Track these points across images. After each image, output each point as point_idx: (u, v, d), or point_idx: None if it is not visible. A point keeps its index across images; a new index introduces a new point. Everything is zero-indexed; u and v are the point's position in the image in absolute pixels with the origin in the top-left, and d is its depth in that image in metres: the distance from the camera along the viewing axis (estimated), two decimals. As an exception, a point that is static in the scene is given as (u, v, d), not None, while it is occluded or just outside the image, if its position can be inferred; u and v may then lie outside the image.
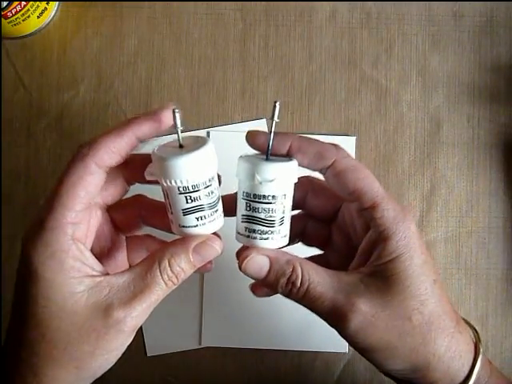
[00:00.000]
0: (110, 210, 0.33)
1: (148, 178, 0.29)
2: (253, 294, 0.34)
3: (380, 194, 0.30)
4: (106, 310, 0.28)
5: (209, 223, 0.30)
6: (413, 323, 0.29)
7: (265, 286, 0.32)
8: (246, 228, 0.30)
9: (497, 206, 0.46)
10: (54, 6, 0.46)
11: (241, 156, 0.31)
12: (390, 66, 0.47)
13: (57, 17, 0.46)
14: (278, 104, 0.29)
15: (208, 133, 0.45)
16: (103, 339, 0.28)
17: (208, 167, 0.28)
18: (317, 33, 0.46)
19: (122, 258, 0.35)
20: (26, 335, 0.28)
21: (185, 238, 0.30)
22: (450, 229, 0.46)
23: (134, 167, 0.31)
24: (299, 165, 0.30)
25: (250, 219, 0.30)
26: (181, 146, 0.29)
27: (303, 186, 0.33)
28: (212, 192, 0.29)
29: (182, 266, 0.30)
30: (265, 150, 0.30)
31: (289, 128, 0.46)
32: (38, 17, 0.44)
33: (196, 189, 0.28)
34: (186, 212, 0.29)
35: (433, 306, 0.29)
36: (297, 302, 0.31)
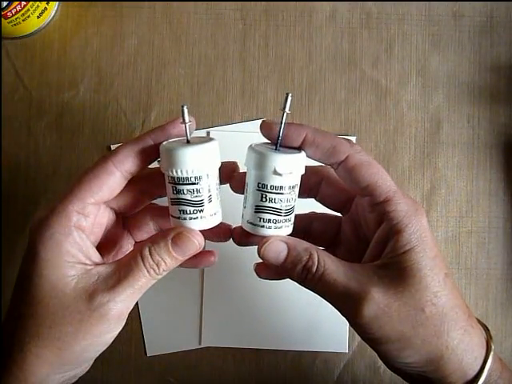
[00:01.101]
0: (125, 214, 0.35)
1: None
2: (257, 276, 0.34)
3: (392, 189, 0.30)
4: (91, 295, 0.29)
5: (190, 220, 0.31)
6: (426, 314, 0.29)
7: (281, 271, 0.32)
8: (259, 217, 0.31)
9: (497, 206, 0.46)
10: (53, 5, 0.46)
11: (251, 146, 0.31)
12: (390, 66, 0.47)
13: (57, 17, 0.46)
14: (290, 96, 0.30)
15: (208, 133, 0.45)
16: (87, 322, 0.29)
17: (197, 166, 0.29)
18: (317, 33, 0.46)
19: None
20: (19, 311, 0.30)
21: (167, 229, 0.31)
22: (450, 229, 0.46)
23: (154, 179, 0.33)
24: (311, 157, 0.31)
25: (263, 209, 0.31)
26: (188, 142, 0.30)
27: (318, 175, 0.34)
28: (198, 191, 0.30)
29: (162, 255, 0.30)
30: (276, 138, 0.31)
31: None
32: (38, 17, 0.44)
33: (180, 182, 0.30)
34: (172, 201, 0.31)
35: (445, 298, 0.30)
36: (311, 288, 0.31)
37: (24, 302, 0.29)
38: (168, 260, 0.30)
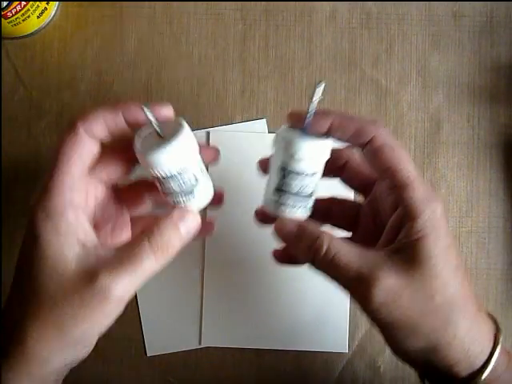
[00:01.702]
0: (118, 187, 0.35)
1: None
2: (274, 260, 0.35)
3: (412, 175, 0.30)
4: (92, 277, 0.28)
5: (185, 203, 0.32)
6: (435, 303, 0.29)
7: (294, 251, 0.33)
8: (278, 199, 0.32)
9: (497, 206, 0.46)
10: (53, 5, 0.46)
11: (279, 131, 0.32)
12: (390, 66, 0.47)
13: (57, 17, 0.46)
14: (321, 84, 0.30)
15: (208, 133, 0.45)
16: (87, 305, 0.29)
17: (177, 162, 0.30)
18: (317, 33, 0.46)
19: (126, 237, 0.36)
20: (19, 294, 0.30)
21: (167, 212, 0.32)
22: (450, 229, 0.45)
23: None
24: (337, 140, 0.32)
25: (283, 192, 0.32)
26: (161, 136, 0.31)
27: (344, 156, 0.35)
28: (184, 182, 0.31)
29: (167, 236, 0.30)
30: (303, 126, 0.31)
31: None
32: (38, 17, 0.44)
33: (164, 179, 0.30)
34: (163, 193, 0.32)
35: (455, 288, 0.30)
36: (322, 270, 0.31)
37: (24, 285, 0.29)
38: (173, 241, 0.31)
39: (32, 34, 0.46)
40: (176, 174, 0.30)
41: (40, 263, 0.29)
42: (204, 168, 0.32)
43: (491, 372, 0.30)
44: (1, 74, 0.46)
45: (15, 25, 0.43)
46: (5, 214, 0.45)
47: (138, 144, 0.30)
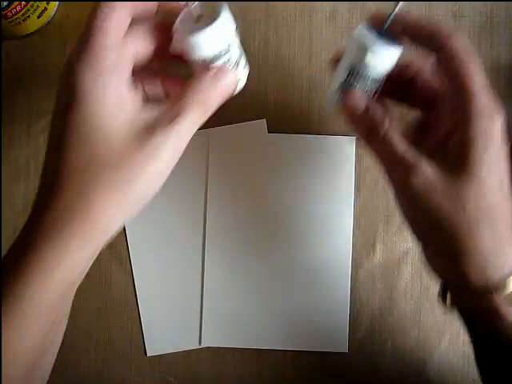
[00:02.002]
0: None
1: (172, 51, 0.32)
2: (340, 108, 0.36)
3: (479, 85, 0.30)
4: (145, 135, 0.29)
5: None
6: (471, 206, 0.30)
7: (354, 124, 0.34)
8: (341, 98, 0.34)
9: (497, 206, 0.46)
10: (54, 5, 0.46)
11: (355, 31, 0.33)
12: (390, 66, 0.46)
13: (57, 17, 0.46)
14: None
15: (208, 133, 0.45)
16: (142, 162, 0.29)
17: (220, 43, 0.31)
18: (317, 33, 0.46)
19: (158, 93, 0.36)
20: (69, 170, 0.29)
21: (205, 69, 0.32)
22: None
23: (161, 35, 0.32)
24: (413, 43, 0.32)
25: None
26: (199, 18, 0.31)
27: (414, 67, 0.35)
28: (226, 62, 0.32)
29: (209, 89, 0.31)
30: (380, 29, 0.32)
31: (288, 128, 0.46)
32: (38, 17, 0.44)
33: (207, 61, 0.31)
34: None
35: (494, 199, 0.30)
36: (372, 148, 0.34)
37: (78, 154, 0.29)
38: (214, 96, 0.32)
39: (32, 34, 0.46)
40: (219, 52, 0.31)
41: (91, 126, 0.29)
42: (241, 47, 0.33)
43: (509, 293, 0.30)
44: (1, 74, 0.46)
45: (15, 25, 0.43)
46: (5, 214, 0.45)
47: (179, 26, 0.31)
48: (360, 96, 0.34)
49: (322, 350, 0.45)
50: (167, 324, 0.45)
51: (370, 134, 0.33)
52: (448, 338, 0.45)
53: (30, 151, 0.46)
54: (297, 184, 0.45)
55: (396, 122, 0.33)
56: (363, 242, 0.45)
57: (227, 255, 0.45)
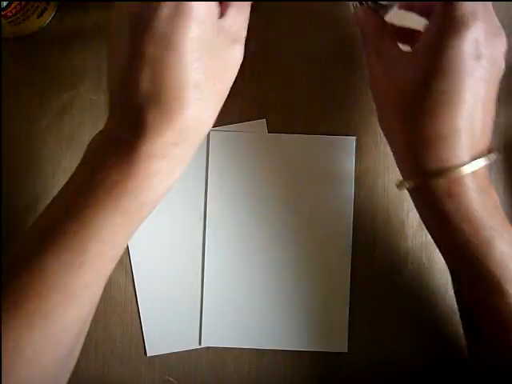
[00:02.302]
0: None
1: None
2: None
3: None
4: (232, 42, 0.33)
5: None
6: (427, 88, 0.32)
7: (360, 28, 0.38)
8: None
9: (497, 206, 0.46)
10: (54, 5, 0.46)
11: None
12: (390, 66, 0.46)
13: (57, 17, 0.46)
14: None
15: (208, 133, 0.45)
16: (232, 57, 0.34)
17: None
18: (317, 33, 0.46)
19: None
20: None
21: None
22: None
23: None
24: None
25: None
26: None
27: None
28: None
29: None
30: None
31: (288, 128, 0.46)
32: (38, 17, 0.44)
33: None
34: None
35: (472, 90, 0.33)
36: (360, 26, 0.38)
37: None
38: None
39: (32, 33, 0.46)
40: None
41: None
42: None
43: (460, 175, 0.32)
44: (1, 73, 0.46)
45: (15, 25, 0.43)
46: (5, 214, 0.45)
47: None
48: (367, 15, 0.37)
49: (322, 350, 0.45)
50: (167, 324, 0.45)
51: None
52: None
53: (30, 151, 0.46)
54: (296, 184, 0.45)
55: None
56: (363, 242, 0.45)
57: (227, 255, 0.45)
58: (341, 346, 0.45)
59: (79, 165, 0.32)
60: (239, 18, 0.34)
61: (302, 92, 0.46)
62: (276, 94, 0.46)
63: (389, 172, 0.46)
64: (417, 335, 0.45)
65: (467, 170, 0.32)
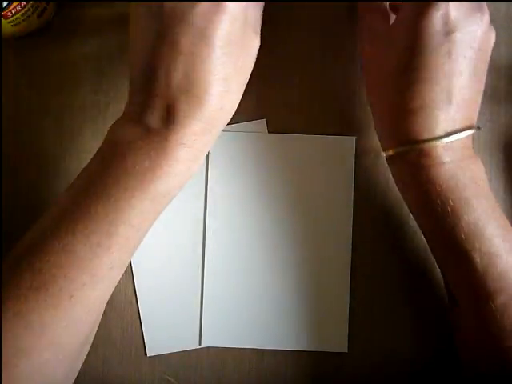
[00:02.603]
0: None
1: None
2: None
3: None
4: (254, 34, 0.35)
5: None
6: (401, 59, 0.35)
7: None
8: None
9: (497, 206, 0.46)
10: (54, 5, 0.46)
11: None
12: (390, 66, 0.46)
13: (57, 17, 0.46)
14: None
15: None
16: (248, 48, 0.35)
17: None
18: (317, 33, 0.46)
19: None
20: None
21: None
22: (450, 229, 0.46)
23: None
24: None
25: None
26: None
27: None
28: None
29: None
30: None
31: (288, 128, 0.46)
32: (39, 17, 0.44)
33: None
34: None
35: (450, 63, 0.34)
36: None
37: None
38: None
39: (32, 33, 0.46)
40: None
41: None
42: None
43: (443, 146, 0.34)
44: (1, 73, 0.46)
45: (15, 25, 0.43)
46: (5, 214, 0.45)
47: None
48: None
49: (322, 350, 0.45)
50: (167, 324, 0.45)
51: None
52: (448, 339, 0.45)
53: (30, 152, 0.46)
54: (296, 184, 0.45)
55: None
56: (363, 242, 0.45)
57: (227, 255, 0.45)
58: (341, 346, 0.45)
59: (99, 151, 0.33)
60: (257, 8, 0.36)
61: (302, 92, 0.46)
62: (276, 94, 0.46)
63: (389, 172, 0.46)
64: (417, 335, 0.45)
65: (437, 143, 0.33)
